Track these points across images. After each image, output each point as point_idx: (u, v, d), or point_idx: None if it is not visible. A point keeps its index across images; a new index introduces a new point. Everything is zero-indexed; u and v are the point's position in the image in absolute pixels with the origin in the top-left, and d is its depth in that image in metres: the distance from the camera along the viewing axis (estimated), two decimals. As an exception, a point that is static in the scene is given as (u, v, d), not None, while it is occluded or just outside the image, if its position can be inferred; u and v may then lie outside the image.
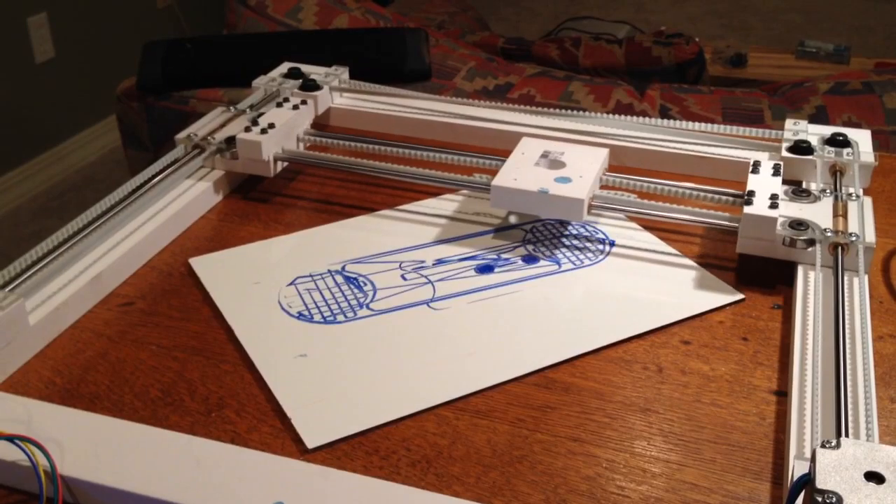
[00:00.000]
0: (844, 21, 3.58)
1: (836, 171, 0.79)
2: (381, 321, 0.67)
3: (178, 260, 0.74)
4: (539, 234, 0.77)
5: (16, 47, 2.36)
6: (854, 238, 0.68)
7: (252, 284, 0.71)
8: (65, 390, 0.60)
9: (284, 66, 0.99)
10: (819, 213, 0.72)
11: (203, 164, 0.84)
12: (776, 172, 0.76)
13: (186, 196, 0.80)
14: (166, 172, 0.80)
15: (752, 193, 0.72)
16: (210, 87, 1.45)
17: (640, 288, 0.70)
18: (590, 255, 0.74)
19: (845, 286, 0.65)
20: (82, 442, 0.53)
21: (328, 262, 0.74)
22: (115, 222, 0.73)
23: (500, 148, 0.92)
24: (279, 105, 0.89)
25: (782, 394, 0.60)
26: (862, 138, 0.83)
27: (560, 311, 0.68)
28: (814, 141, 0.82)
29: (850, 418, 0.53)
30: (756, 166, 0.77)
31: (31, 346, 0.63)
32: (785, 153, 0.81)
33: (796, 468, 0.49)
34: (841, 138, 0.82)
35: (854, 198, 0.73)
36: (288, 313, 0.67)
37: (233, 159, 0.83)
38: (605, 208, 0.77)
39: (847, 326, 0.61)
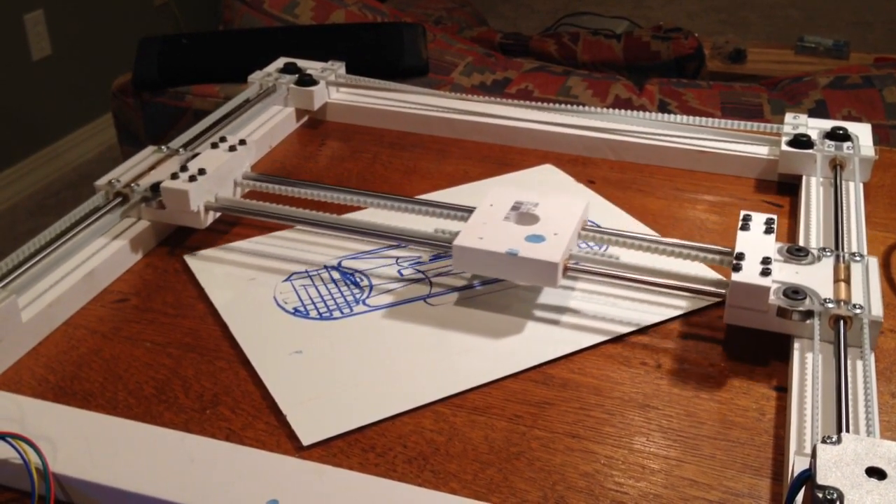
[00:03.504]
0: (843, 17, 3.58)
1: (836, 166, 0.79)
2: (377, 317, 0.66)
3: (172, 256, 0.74)
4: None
5: (12, 44, 2.35)
6: (858, 310, 0.59)
7: (247, 280, 0.70)
8: (58, 387, 0.60)
9: (280, 62, 0.98)
10: (818, 278, 0.63)
11: (127, 214, 0.74)
12: (769, 230, 0.66)
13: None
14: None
15: (741, 256, 0.63)
16: (206, 83, 1.45)
17: (639, 283, 0.70)
18: (588, 250, 0.74)
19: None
20: (75, 440, 0.53)
21: (324, 258, 0.73)
22: (106, 221, 0.72)
23: (497, 143, 0.91)
24: (214, 146, 0.78)
25: (782, 389, 0.59)
26: (862, 132, 0.83)
27: (558, 306, 0.67)
28: (814, 135, 0.82)
29: (850, 413, 0.53)
30: (746, 221, 0.67)
31: (23, 343, 0.63)
32: (784, 147, 0.81)
33: (797, 464, 0.48)
34: (841, 132, 0.82)
35: (857, 258, 0.64)
36: (283, 309, 0.67)
37: (160, 209, 0.73)
38: (581, 271, 0.67)
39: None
